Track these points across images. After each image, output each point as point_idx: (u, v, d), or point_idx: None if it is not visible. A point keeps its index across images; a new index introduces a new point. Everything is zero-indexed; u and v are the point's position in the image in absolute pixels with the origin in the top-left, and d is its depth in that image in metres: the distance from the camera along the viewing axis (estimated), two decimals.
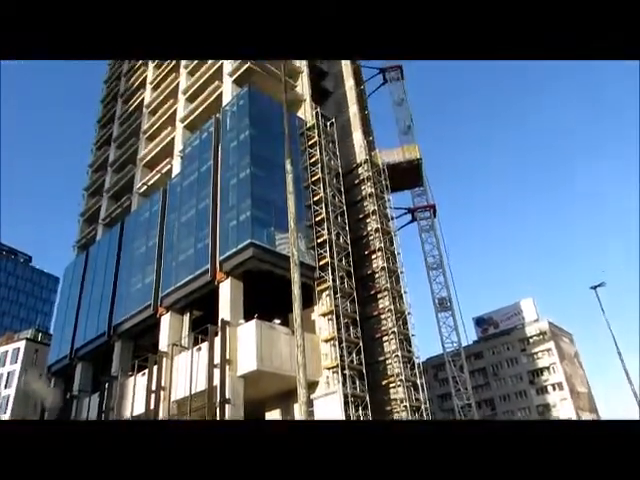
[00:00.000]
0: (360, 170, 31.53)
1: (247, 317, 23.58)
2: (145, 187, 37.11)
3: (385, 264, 28.19)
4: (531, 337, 70.43)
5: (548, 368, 67.62)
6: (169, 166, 35.23)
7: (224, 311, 23.81)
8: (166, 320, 27.90)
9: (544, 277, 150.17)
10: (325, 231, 26.41)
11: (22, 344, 54.67)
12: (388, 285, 27.68)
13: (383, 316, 27.63)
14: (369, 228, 29.76)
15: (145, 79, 44.02)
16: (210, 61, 35.06)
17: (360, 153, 32.00)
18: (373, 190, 30.36)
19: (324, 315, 24.99)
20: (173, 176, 33.32)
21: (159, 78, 41.51)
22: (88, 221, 44.08)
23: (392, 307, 27.27)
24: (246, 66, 31.67)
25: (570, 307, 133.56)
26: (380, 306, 27.94)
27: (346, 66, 36.09)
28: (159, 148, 37.31)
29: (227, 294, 24.28)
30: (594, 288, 33.04)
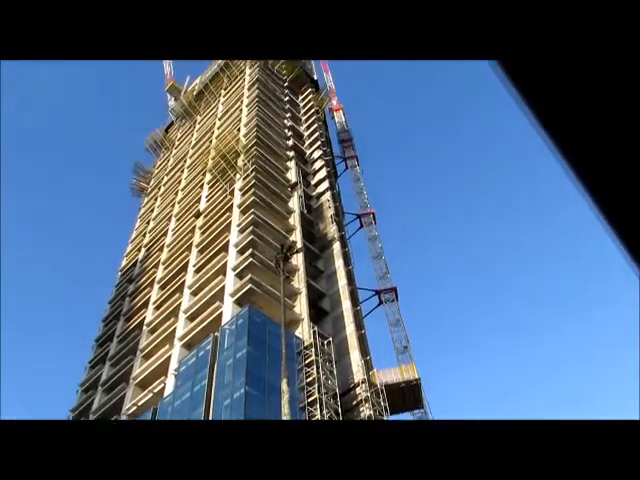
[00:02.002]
0: (358, 390, 30.69)
1: None
2: (135, 407, 35.58)
3: None
4: None
5: None
6: (162, 385, 34.33)
7: None
8: None
9: None
10: None
11: None
12: None
13: None
14: None
15: (149, 299, 45.61)
16: (213, 282, 36.85)
17: (358, 372, 31.52)
18: (372, 412, 29.13)
19: None
20: (165, 395, 32.24)
21: (162, 298, 43.05)
22: None
23: None
24: (247, 287, 33.17)
25: None
26: None
27: (343, 288, 37.78)
28: (154, 366, 36.82)
29: None
30: None
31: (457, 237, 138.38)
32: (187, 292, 39.62)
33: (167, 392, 32.47)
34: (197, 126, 67.36)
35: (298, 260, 37.02)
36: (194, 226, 47.13)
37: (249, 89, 60.26)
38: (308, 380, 28.16)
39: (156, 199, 63.24)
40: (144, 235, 58.15)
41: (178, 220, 51.83)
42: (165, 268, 46.62)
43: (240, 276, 35.28)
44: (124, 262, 58.58)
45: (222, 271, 37.47)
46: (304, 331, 31.72)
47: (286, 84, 65.40)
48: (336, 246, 41.75)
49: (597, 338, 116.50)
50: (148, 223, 59.86)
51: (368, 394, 30.07)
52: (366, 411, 29.51)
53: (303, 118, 60.97)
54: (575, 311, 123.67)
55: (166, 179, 64.49)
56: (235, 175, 46.63)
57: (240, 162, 47.40)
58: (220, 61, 73.21)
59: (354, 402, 30.41)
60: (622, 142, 1.20)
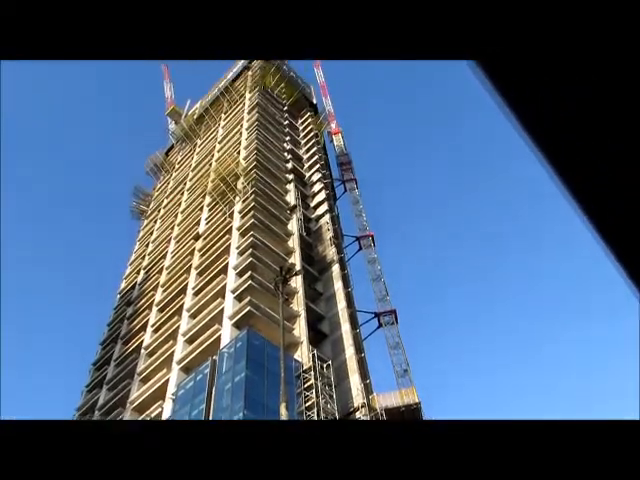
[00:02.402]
0: (358, 414, 30.31)
1: None
2: None
3: None
4: None
5: None
6: (160, 409, 33.90)
7: None
8: None
9: None
10: None
11: None
12: None
13: None
14: None
15: (147, 322, 45.34)
16: (212, 305, 36.67)
17: (357, 396, 31.19)
18: None
19: None
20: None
21: (161, 321, 42.80)
22: None
23: None
24: (246, 310, 33.02)
25: None
26: None
27: (342, 310, 37.62)
28: (152, 390, 36.43)
29: None
30: None
31: (457, 245, 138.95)
32: (186, 315, 39.41)
33: (165, 416, 32.06)
34: (197, 149, 67.91)
35: (297, 282, 36.93)
36: (193, 248, 47.13)
37: (249, 113, 60.93)
38: (307, 404, 27.83)
39: (156, 222, 63.38)
40: (143, 257, 58.10)
41: (177, 242, 51.86)
42: (164, 291, 46.46)
43: (239, 299, 35.15)
44: (123, 284, 58.43)
45: (221, 294, 37.34)
46: (303, 354, 31.49)
47: (285, 108, 66.14)
48: (335, 268, 41.71)
49: (596, 347, 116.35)
50: (147, 246, 59.87)
51: (368, 418, 29.70)
52: None
53: (302, 141, 61.54)
54: (574, 319, 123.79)
55: (166, 202, 64.75)
56: (234, 198, 46.83)
57: (240, 185, 47.65)
58: (220, 85, 74.22)
59: None
60: (611, 151, 1.18)
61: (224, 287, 37.51)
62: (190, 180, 61.86)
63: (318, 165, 55.10)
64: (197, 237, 48.11)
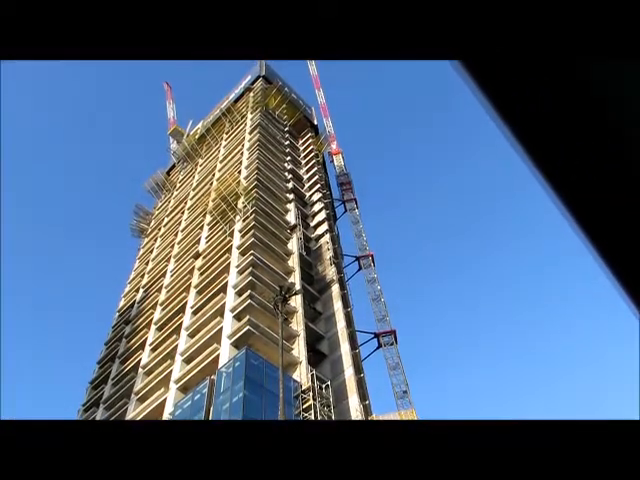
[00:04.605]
0: None
1: None
2: None
3: None
4: None
5: None
6: None
7: None
8: None
9: None
10: None
11: None
12: None
13: None
14: None
15: (145, 341, 45.07)
16: (211, 324, 36.50)
17: (356, 417, 30.86)
18: None
19: None
20: None
21: (159, 340, 42.56)
22: None
23: None
24: (245, 329, 32.86)
25: None
26: None
27: (341, 330, 37.44)
28: (149, 410, 36.08)
29: None
30: None
31: (457, 264, 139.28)
32: (184, 334, 39.21)
33: None
34: (199, 169, 68.31)
35: (297, 302, 36.83)
36: (193, 267, 47.08)
37: (250, 133, 61.45)
38: None
39: (156, 240, 63.44)
40: (142, 276, 58.01)
41: (177, 261, 51.82)
42: (163, 309, 46.28)
43: (238, 318, 35.01)
44: (122, 303, 58.22)
45: (220, 313, 37.20)
46: (302, 374, 31.25)
47: (286, 129, 66.75)
48: (335, 288, 41.63)
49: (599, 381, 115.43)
50: (147, 264, 59.82)
51: None
52: None
53: (303, 162, 61.98)
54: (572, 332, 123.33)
55: (166, 220, 64.91)
56: (235, 217, 46.97)
57: (240, 204, 47.82)
58: (222, 106, 74.96)
59: None
60: (606, 156, 1.17)
61: (223, 306, 37.39)
62: (191, 199, 62.11)
63: (318, 185, 55.40)
64: (197, 256, 48.10)
